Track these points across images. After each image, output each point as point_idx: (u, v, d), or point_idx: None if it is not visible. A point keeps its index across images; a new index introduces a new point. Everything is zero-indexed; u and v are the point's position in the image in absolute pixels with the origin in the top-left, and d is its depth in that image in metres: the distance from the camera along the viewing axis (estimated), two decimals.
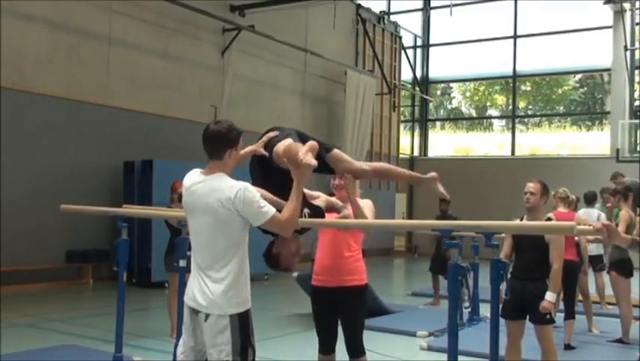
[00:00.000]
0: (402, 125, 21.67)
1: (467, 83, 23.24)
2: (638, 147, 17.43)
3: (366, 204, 4.13)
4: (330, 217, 3.87)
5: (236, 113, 13.32)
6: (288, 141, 3.41)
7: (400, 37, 20.68)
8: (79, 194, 10.31)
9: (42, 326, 7.56)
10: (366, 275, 4.26)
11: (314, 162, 3.20)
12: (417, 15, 22.02)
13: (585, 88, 22.05)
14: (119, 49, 12.09)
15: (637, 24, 18.29)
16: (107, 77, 11.92)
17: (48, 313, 8.35)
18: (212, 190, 3.15)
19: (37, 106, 10.73)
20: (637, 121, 17.72)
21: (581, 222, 5.92)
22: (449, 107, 24.33)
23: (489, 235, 3.77)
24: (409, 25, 21.37)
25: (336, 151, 3.68)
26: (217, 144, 3.20)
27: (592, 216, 8.09)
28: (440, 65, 22.02)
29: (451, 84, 23.63)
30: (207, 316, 3.13)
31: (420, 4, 21.89)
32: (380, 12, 19.91)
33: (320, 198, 3.92)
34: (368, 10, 19.16)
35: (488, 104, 23.34)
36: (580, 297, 7.60)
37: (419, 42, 22.16)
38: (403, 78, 21.26)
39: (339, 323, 4.24)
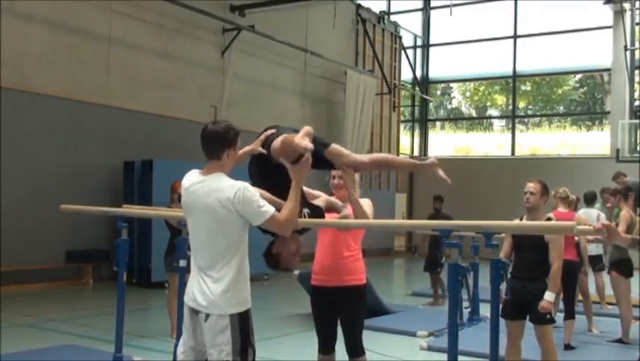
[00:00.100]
0: (402, 125, 21.68)
1: (467, 83, 23.24)
2: (638, 147, 17.43)
3: (365, 203, 4.13)
4: (330, 217, 3.87)
5: (236, 114, 13.32)
6: (284, 136, 3.43)
7: (400, 37, 20.69)
8: (79, 194, 10.31)
9: (42, 326, 7.56)
10: (365, 275, 4.26)
11: (310, 146, 3.24)
12: (417, 15, 22.02)
13: (585, 88, 22.06)
14: (119, 49, 12.09)
15: (637, 24, 18.29)
16: (107, 77, 11.93)
17: (48, 313, 8.35)
18: (211, 190, 3.15)
19: (37, 106, 10.73)
20: (637, 121, 17.72)
21: (581, 223, 5.92)
22: (449, 107, 24.34)
23: (489, 235, 3.77)
24: (409, 25, 21.37)
25: (333, 146, 3.68)
26: (215, 144, 3.21)
27: (591, 216, 8.09)
28: (440, 65, 22.03)
29: (451, 84, 23.64)
30: (207, 316, 3.13)
31: (420, 4, 21.89)
32: (380, 12, 19.91)
33: (320, 198, 3.92)
34: (368, 10, 19.17)
35: (488, 104, 23.34)
36: (580, 297, 7.60)
37: (419, 42, 22.16)
38: (403, 78, 21.27)
39: (339, 322, 4.24)
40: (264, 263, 3.57)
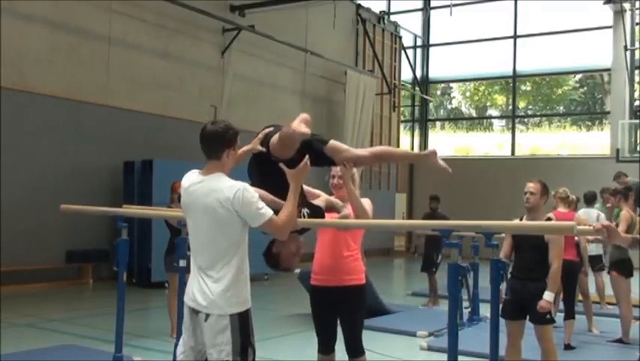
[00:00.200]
0: (402, 125, 21.68)
1: (467, 83, 23.24)
2: (638, 147, 17.43)
3: (365, 203, 4.13)
4: (330, 217, 3.87)
5: (236, 114, 13.32)
6: (282, 129, 3.46)
7: (400, 37, 20.68)
8: (79, 194, 10.30)
9: (42, 326, 7.56)
10: (364, 275, 4.26)
11: (308, 131, 3.27)
12: (417, 15, 22.02)
13: (585, 88, 22.06)
14: (119, 49, 12.09)
15: (637, 24, 18.29)
16: (107, 77, 11.93)
17: (48, 313, 8.35)
18: (210, 190, 3.15)
19: (37, 106, 10.73)
20: (637, 121, 17.72)
21: (581, 223, 5.91)
22: (449, 107, 24.34)
23: (489, 235, 3.77)
24: (409, 25, 21.37)
25: (332, 142, 3.68)
26: (214, 144, 3.21)
27: (591, 216, 8.09)
28: (440, 65, 22.02)
29: (451, 84, 23.64)
30: (207, 316, 3.13)
31: (420, 4, 21.89)
32: (380, 12, 19.91)
33: (320, 198, 3.92)
34: (368, 10, 19.17)
35: (488, 104, 23.34)
36: (580, 297, 7.60)
37: (419, 42, 22.16)
38: (403, 78, 21.27)
39: (339, 322, 4.24)
40: (264, 263, 3.57)
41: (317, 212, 3.68)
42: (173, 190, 6.87)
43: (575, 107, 21.94)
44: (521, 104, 22.01)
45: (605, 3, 17.96)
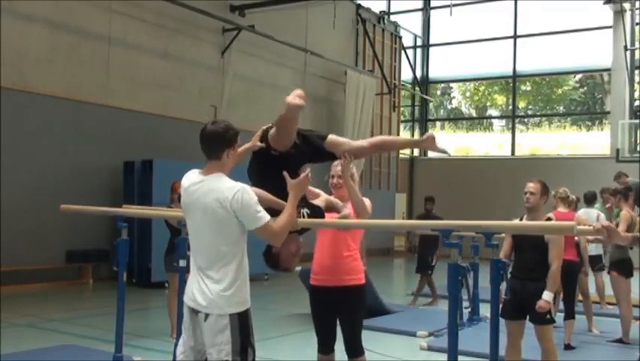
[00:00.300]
0: (402, 125, 21.67)
1: (467, 83, 23.25)
2: (638, 147, 17.43)
3: (365, 202, 4.14)
4: (329, 217, 3.87)
5: (236, 114, 13.32)
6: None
7: (400, 37, 20.68)
8: (79, 194, 10.30)
9: (42, 326, 7.56)
10: (364, 275, 4.27)
11: (302, 103, 3.30)
12: (417, 15, 22.02)
13: (585, 88, 22.06)
14: (119, 49, 12.09)
15: (637, 24, 18.29)
16: (107, 77, 11.93)
17: (48, 313, 8.35)
18: (210, 191, 3.15)
19: (37, 106, 10.73)
20: (637, 121, 17.72)
21: (581, 223, 5.91)
22: (449, 107, 24.34)
23: (489, 235, 3.77)
24: (409, 25, 21.37)
25: (331, 136, 3.73)
26: (215, 144, 3.21)
27: (592, 216, 8.09)
28: (440, 65, 22.03)
29: (451, 84, 23.64)
30: (207, 316, 3.13)
31: (420, 4, 21.90)
32: (380, 12, 19.90)
33: (320, 198, 3.92)
34: (368, 10, 19.16)
35: (488, 104, 23.35)
36: (580, 297, 7.60)
37: (419, 42, 22.16)
38: (403, 78, 21.26)
39: (338, 322, 4.24)
40: (263, 263, 3.57)
41: (317, 212, 3.68)
42: (173, 190, 6.87)
43: (575, 107, 21.95)
44: (521, 104, 22.01)
45: (605, 3, 17.96)
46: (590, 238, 6.72)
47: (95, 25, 11.72)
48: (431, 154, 21.85)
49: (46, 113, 10.84)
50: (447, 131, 23.09)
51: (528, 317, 4.93)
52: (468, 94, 23.71)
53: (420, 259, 10.00)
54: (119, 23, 12.09)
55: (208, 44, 13.97)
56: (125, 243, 4.96)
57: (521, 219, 4.95)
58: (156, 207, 7.56)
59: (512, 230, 4.56)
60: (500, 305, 4.09)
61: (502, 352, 4.38)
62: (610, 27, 18.40)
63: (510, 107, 21.30)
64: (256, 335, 3.23)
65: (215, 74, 14.08)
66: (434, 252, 9.67)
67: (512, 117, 21.06)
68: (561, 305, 6.94)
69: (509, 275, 4.69)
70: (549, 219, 5.17)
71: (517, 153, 20.42)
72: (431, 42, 22.05)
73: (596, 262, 8.64)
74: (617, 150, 17.11)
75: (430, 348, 6.68)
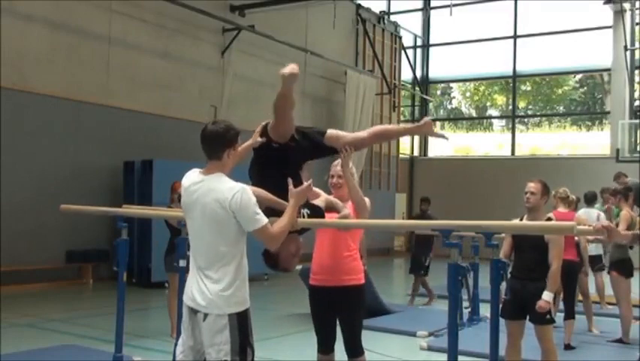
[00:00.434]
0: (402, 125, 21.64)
1: (467, 83, 23.25)
2: (638, 147, 17.43)
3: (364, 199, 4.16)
4: (329, 217, 3.87)
5: (236, 114, 13.31)
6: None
7: (400, 37, 20.68)
8: (79, 194, 10.30)
9: (42, 326, 7.56)
10: (363, 275, 4.27)
11: (296, 71, 3.34)
12: (417, 15, 22.02)
13: (585, 88, 22.06)
14: (119, 49, 12.09)
15: (637, 24, 18.29)
16: (107, 77, 11.93)
17: (48, 313, 8.35)
18: (210, 191, 3.16)
19: (37, 106, 10.72)
20: (637, 121, 17.72)
21: (581, 223, 5.91)
22: (449, 107, 24.34)
23: (489, 235, 3.77)
24: (409, 25, 21.37)
25: (330, 131, 3.77)
26: (215, 145, 3.21)
27: (592, 216, 8.09)
28: (440, 65, 22.03)
29: (451, 84, 23.64)
30: (206, 315, 3.13)
31: (420, 4, 21.89)
32: (380, 12, 19.90)
33: (320, 198, 3.92)
34: (368, 10, 19.16)
35: (488, 104, 23.35)
36: (580, 297, 7.60)
37: (419, 42, 22.16)
38: (403, 78, 21.26)
39: (338, 322, 4.24)
40: (263, 263, 3.57)
41: (317, 212, 3.68)
42: (173, 190, 6.87)
43: (575, 107, 21.95)
44: (521, 104, 22.01)
45: (605, 3, 17.96)
46: (590, 238, 6.72)
47: (95, 25, 11.72)
48: (431, 154, 21.90)
49: (46, 113, 10.84)
50: (447, 132, 23.03)
51: (528, 317, 4.93)
52: (468, 94, 23.71)
53: (413, 259, 10.05)
54: (119, 23, 12.09)
55: (208, 44, 13.97)
56: (125, 243, 4.96)
57: (521, 219, 4.95)
58: (156, 207, 7.56)
59: (512, 230, 4.56)
60: (500, 305, 4.09)
61: (502, 352, 4.38)
62: (610, 27, 18.40)
63: (510, 107, 21.30)
64: (256, 335, 3.23)
65: (215, 74, 14.08)
66: (428, 252, 9.72)
67: (512, 117, 21.06)
68: (561, 305, 6.95)
69: (509, 275, 4.69)
70: (549, 219, 5.17)
71: (517, 153, 20.42)
72: (431, 42, 22.05)
73: (596, 262, 8.64)
74: (617, 150, 17.11)
75: (430, 348, 6.69)
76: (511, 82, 20.94)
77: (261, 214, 3.15)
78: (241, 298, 3.17)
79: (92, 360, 5.90)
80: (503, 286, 4.08)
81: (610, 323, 7.83)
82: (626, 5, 17.82)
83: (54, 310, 8.73)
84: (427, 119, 3.89)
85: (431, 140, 22.20)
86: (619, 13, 17.97)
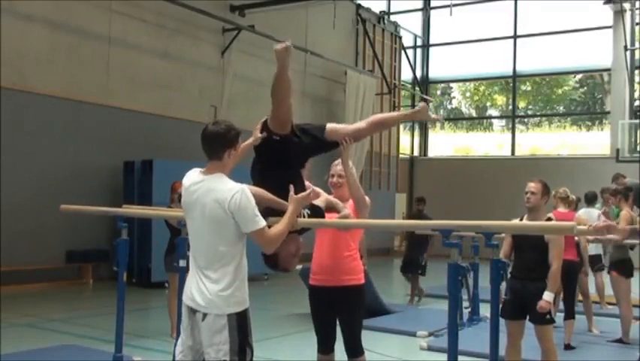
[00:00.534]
0: (402, 125, 21.66)
1: (467, 83, 23.25)
2: (638, 147, 17.42)
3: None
4: (330, 217, 3.87)
5: (236, 114, 13.31)
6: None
7: (400, 37, 20.68)
8: (79, 194, 10.30)
9: (42, 326, 7.56)
10: (363, 275, 4.27)
11: (288, 44, 3.47)
12: (417, 15, 22.02)
13: (585, 88, 22.06)
14: (119, 49, 12.09)
15: (637, 24, 18.28)
16: (107, 77, 11.92)
17: (48, 313, 8.35)
18: (210, 191, 3.16)
19: (37, 106, 10.72)
20: (637, 121, 17.71)
21: (581, 223, 5.92)
22: (449, 107, 24.33)
23: (489, 235, 3.77)
24: (409, 25, 21.36)
25: (329, 125, 3.82)
26: (216, 145, 3.21)
27: (592, 216, 8.09)
28: (440, 65, 22.03)
29: (451, 84, 23.64)
30: (205, 315, 3.13)
31: (420, 4, 21.89)
32: (380, 12, 19.90)
33: (320, 198, 3.92)
34: (368, 10, 19.16)
35: (488, 104, 23.34)
36: (580, 297, 7.60)
37: (419, 42, 22.16)
38: (403, 78, 21.26)
39: (338, 322, 4.24)
40: (263, 263, 3.57)
41: (317, 212, 3.68)
42: (173, 190, 6.87)
43: (575, 107, 21.94)
44: (521, 104, 22.01)
45: (605, 3, 17.96)
46: (590, 237, 6.72)
47: (95, 25, 11.71)
48: (431, 154, 21.90)
49: (46, 113, 10.84)
50: (447, 131, 23.10)
51: (528, 317, 4.93)
52: (468, 94, 23.71)
53: (409, 259, 10.07)
54: (119, 23, 12.09)
55: (208, 44, 13.97)
56: (125, 243, 4.96)
57: (521, 219, 4.95)
58: (156, 207, 7.56)
59: (512, 230, 4.56)
60: (500, 305, 4.09)
61: (502, 352, 4.38)
62: (610, 27, 18.40)
63: (510, 107, 21.30)
64: (256, 335, 3.23)
65: (215, 74, 14.08)
66: (424, 252, 9.75)
67: (512, 117, 21.06)
68: (561, 305, 6.95)
69: (509, 275, 4.69)
70: (549, 219, 5.16)
71: (517, 153, 20.43)
72: (431, 42, 22.05)
73: (596, 262, 8.64)
74: (617, 150, 17.10)
75: (430, 348, 6.68)
76: (511, 82, 20.94)
77: (260, 217, 3.15)
78: (240, 299, 3.17)
79: (92, 360, 5.90)
80: (503, 286, 4.08)
81: (610, 323, 7.83)
82: (626, 5, 17.82)
83: (54, 310, 8.73)
84: (422, 104, 4.00)
85: (431, 139, 22.24)
86: (619, 13, 17.97)
